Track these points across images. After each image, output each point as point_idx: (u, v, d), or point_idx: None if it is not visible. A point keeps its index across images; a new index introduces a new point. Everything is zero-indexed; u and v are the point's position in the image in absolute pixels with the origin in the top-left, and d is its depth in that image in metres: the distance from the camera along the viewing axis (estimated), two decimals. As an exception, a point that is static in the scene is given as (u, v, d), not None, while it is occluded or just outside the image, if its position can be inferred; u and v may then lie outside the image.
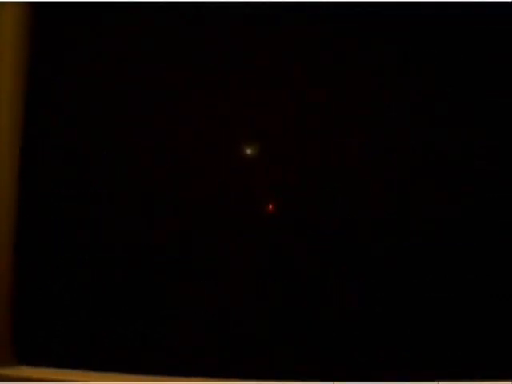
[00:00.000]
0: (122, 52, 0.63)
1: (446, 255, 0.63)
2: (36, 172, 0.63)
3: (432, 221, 0.63)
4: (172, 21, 0.63)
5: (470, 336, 0.63)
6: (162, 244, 0.63)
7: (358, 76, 0.63)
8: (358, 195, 0.63)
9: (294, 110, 0.63)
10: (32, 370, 0.62)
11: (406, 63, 0.64)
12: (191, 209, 0.63)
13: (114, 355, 0.63)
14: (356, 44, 0.63)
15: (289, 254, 0.63)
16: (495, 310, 0.63)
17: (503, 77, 0.64)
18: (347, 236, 0.63)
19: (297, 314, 0.63)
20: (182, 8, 0.63)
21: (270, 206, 0.63)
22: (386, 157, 0.63)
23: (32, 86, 0.63)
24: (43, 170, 0.63)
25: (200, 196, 0.63)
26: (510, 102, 0.64)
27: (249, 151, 0.63)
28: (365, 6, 0.62)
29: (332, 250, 0.63)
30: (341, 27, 0.63)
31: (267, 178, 0.63)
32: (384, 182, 0.63)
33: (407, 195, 0.63)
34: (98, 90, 0.63)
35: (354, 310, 0.63)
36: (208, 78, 0.63)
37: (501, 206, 0.63)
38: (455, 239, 0.63)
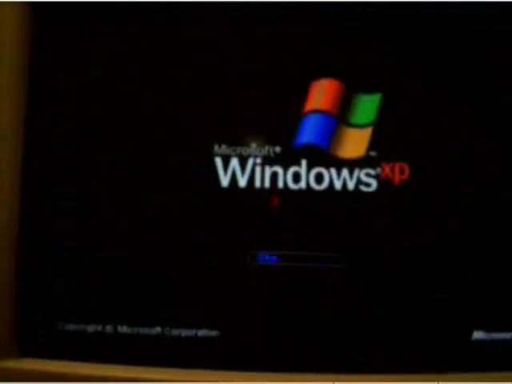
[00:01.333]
0: (122, 52, 0.64)
1: (446, 255, 0.63)
2: (38, 171, 0.63)
3: (431, 221, 0.63)
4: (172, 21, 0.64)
5: (471, 336, 0.63)
6: (161, 240, 0.63)
7: (358, 76, 0.64)
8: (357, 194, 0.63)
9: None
10: (34, 362, 0.62)
11: (406, 63, 0.64)
12: (191, 208, 0.63)
13: (118, 347, 0.63)
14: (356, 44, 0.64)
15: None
16: (494, 309, 0.63)
17: (503, 77, 0.64)
18: (345, 234, 0.64)
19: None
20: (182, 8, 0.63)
21: (275, 201, 0.63)
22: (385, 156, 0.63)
23: (34, 86, 0.63)
24: (45, 170, 0.63)
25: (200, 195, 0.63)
26: (510, 102, 0.64)
27: (249, 150, 0.64)
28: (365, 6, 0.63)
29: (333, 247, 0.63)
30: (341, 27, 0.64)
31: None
32: (383, 182, 0.63)
33: (406, 195, 0.63)
34: (100, 89, 0.64)
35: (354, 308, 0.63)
36: (208, 78, 0.63)
37: (501, 205, 0.63)
38: (455, 239, 0.63)
